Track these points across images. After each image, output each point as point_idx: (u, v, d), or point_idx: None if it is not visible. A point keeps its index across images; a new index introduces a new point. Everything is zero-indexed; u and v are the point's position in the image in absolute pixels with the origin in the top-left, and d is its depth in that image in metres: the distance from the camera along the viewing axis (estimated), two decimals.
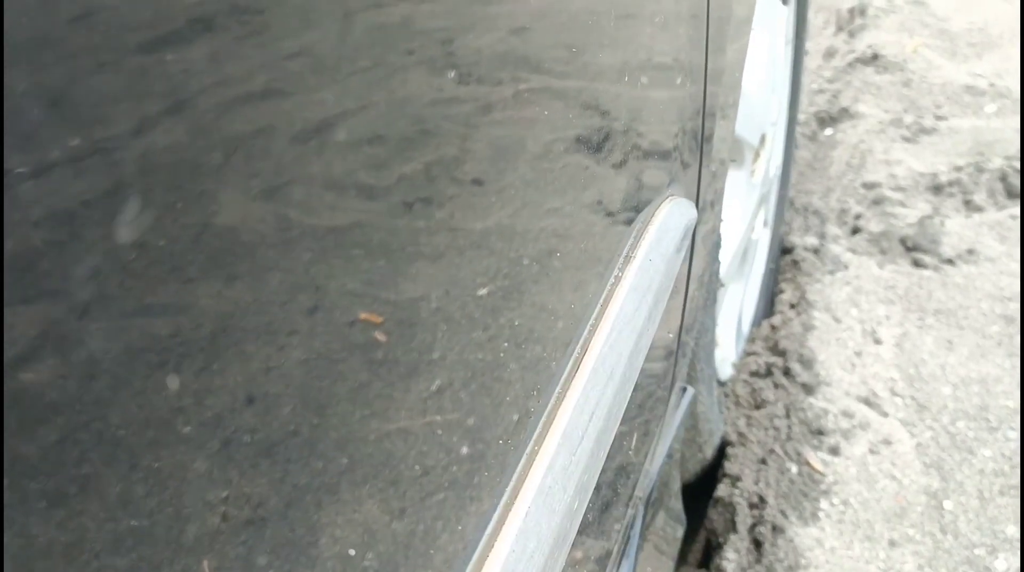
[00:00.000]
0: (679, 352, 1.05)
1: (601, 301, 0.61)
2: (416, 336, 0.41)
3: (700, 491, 1.59)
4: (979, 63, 3.10)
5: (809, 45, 3.11)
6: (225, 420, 0.31)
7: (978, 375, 1.76)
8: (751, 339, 1.91)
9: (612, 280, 0.63)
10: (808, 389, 1.74)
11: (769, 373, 1.79)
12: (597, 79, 0.58)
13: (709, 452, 1.55)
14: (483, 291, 0.47)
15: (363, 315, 0.38)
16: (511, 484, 0.49)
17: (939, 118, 2.78)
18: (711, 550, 1.56)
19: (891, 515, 1.50)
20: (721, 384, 1.74)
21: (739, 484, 1.56)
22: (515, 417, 0.51)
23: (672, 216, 0.75)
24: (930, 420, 1.68)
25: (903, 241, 2.17)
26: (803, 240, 2.19)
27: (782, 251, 2.19)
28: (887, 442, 1.63)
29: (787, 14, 1.89)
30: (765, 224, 2.05)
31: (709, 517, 1.57)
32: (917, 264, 2.10)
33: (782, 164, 2.08)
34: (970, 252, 2.10)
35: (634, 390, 0.66)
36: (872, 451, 1.61)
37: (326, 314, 0.35)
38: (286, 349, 0.33)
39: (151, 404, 0.28)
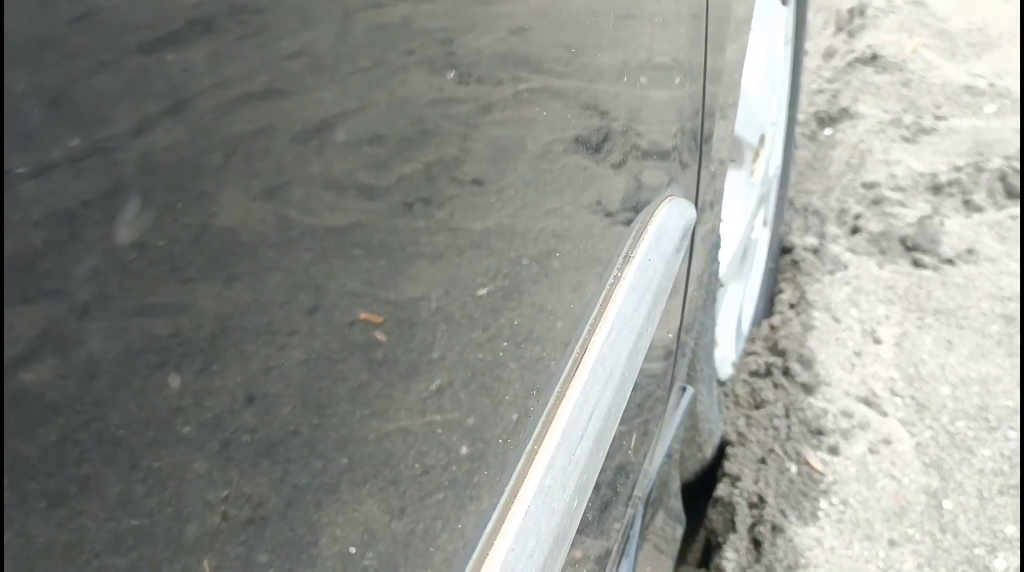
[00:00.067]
0: (678, 352, 1.05)
1: (600, 301, 0.61)
2: (416, 336, 0.41)
3: (700, 491, 1.59)
4: (978, 63, 3.10)
5: (809, 45, 3.11)
6: (225, 420, 0.31)
7: (978, 375, 1.76)
8: (751, 339, 1.91)
9: (611, 280, 0.63)
10: (808, 389, 1.74)
11: (769, 373, 1.79)
12: (596, 79, 0.58)
13: (709, 452, 1.55)
14: (483, 291, 0.47)
15: (363, 315, 0.38)
16: (511, 483, 0.49)
17: (938, 118, 2.78)
18: (711, 550, 1.56)
19: (891, 514, 1.50)
20: (721, 384, 1.74)
21: (739, 484, 1.56)
22: (515, 417, 0.51)
23: (671, 216, 0.75)
24: (930, 420, 1.68)
25: (903, 241, 2.18)
26: (803, 240, 2.20)
27: (782, 251, 2.19)
28: (887, 442, 1.63)
29: (786, 14, 1.89)
30: (764, 224, 2.05)
31: (708, 517, 1.57)
32: (917, 264, 2.10)
33: (781, 164, 2.08)
34: (970, 252, 2.10)
35: (633, 390, 0.66)
36: (872, 451, 1.61)
37: (326, 314, 0.35)
38: (286, 349, 0.33)
39: (151, 404, 0.28)
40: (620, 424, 0.63)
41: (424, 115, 0.40)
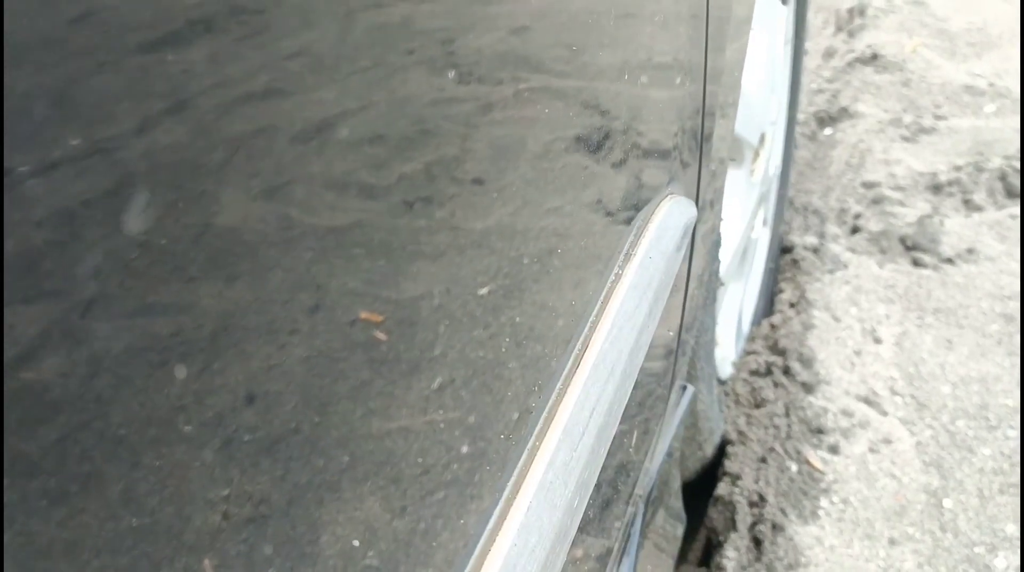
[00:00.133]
0: (679, 350, 1.05)
1: (602, 298, 0.61)
2: (417, 335, 0.41)
3: (700, 489, 1.59)
4: (978, 63, 3.10)
5: (808, 45, 3.11)
6: (226, 418, 0.31)
7: (978, 374, 1.76)
8: (751, 338, 1.91)
9: (612, 277, 0.64)
10: (808, 388, 1.74)
11: (769, 372, 1.79)
12: (597, 78, 0.58)
13: (709, 450, 1.55)
14: (484, 290, 0.47)
15: (364, 314, 0.38)
16: (512, 479, 0.49)
17: (938, 118, 2.78)
18: (711, 548, 1.56)
19: (891, 513, 1.50)
20: (721, 383, 1.74)
21: (739, 482, 1.56)
22: (516, 414, 0.51)
23: (672, 214, 0.75)
24: (930, 419, 1.68)
25: (903, 240, 2.18)
26: (803, 239, 2.20)
27: (782, 250, 2.19)
28: (887, 441, 1.63)
29: (786, 14, 1.89)
30: (765, 223, 2.05)
31: (709, 515, 1.57)
32: (917, 263, 2.10)
33: (781, 163, 2.08)
34: (970, 251, 2.10)
35: (634, 388, 0.66)
36: (872, 449, 1.61)
37: (327, 313, 0.35)
38: (287, 348, 0.34)
39: (152, 402, 0.28)
40: (621, 422, 0.63)
41: (425, 115, 0.40)
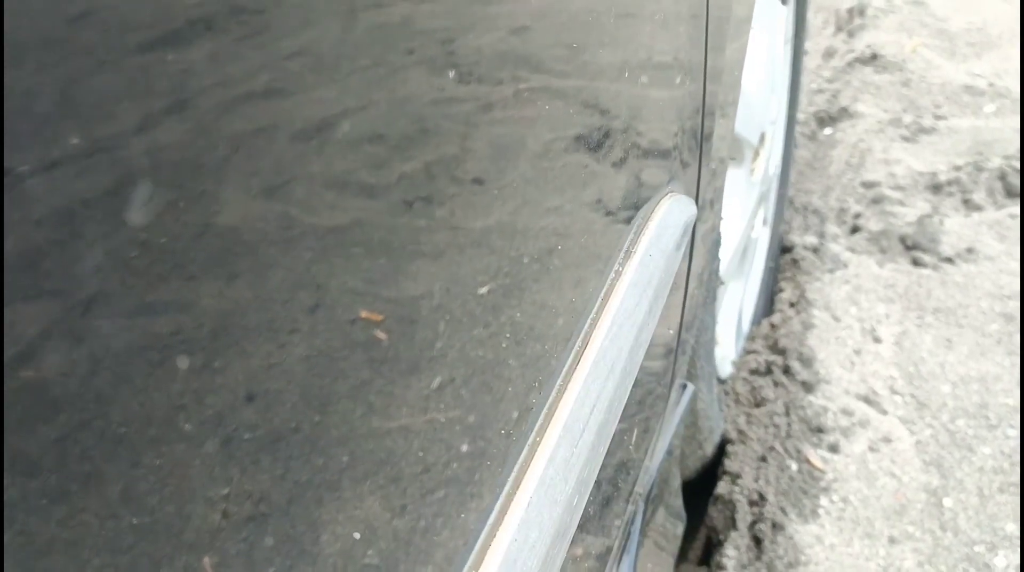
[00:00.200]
0: (679, 349, 1.05)
1: (602, 296, 0.61)
2: (417, 334, 0.41)
3: (700, 488, 1.59)
4: (978, 63, 3.10)
5: (808, 45, 3.11)
6: (226, 417, 0.31)
7: (977, 373, 1.76)
8: (751, 337, 1.91)
9: (613, 275, 0.64)
10: (808, 387, 1.74)
11: (769, 371, 1.79)
12: (597, 78, 0.58)
13: (709, 449, 1.55)
14: (484, 289, 0.47)
15: (364, 313, 0.38)
16: (513, 475, 0.49)
17: (938, 118, 2.78)
18: (711, 547, 1.56)
19: (891, 512, 1.50)
20: (721, 382, 1.74)
21: (739, 481, 1.56)
22: (517, 411, 0.51)
23: (672, 212, 0.75)
24: (930, 418, 1.68)
25: (902, 240, 2.18)
26: (803, 239, 2.20)
27: (782, 250, 2.19)
28: (887, 440, 1.63)
29: (786, 14, 1.89)
30: (765, 222, 2.05)
31: (709, 514, 1.58)
32: (916, 263, 2.10)
33: (781, 163, 2.08)
34: (969, 251, 2.10)
35: (634, 387, 0.66)
36: (872, 449, 1.61)
37: (327, 312, 0.35)
38: (287, 347, 0.34)
39: (152, 401, 0.28)
40: (621, 420, 0.63)
41: (425, 114, 0.40)
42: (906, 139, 2.68)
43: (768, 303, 2.05)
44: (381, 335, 0.39)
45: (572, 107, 0.55)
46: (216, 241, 0.30)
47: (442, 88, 0.41)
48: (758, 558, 1.45)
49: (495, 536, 0.46)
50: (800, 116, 2.72)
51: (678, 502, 1.31)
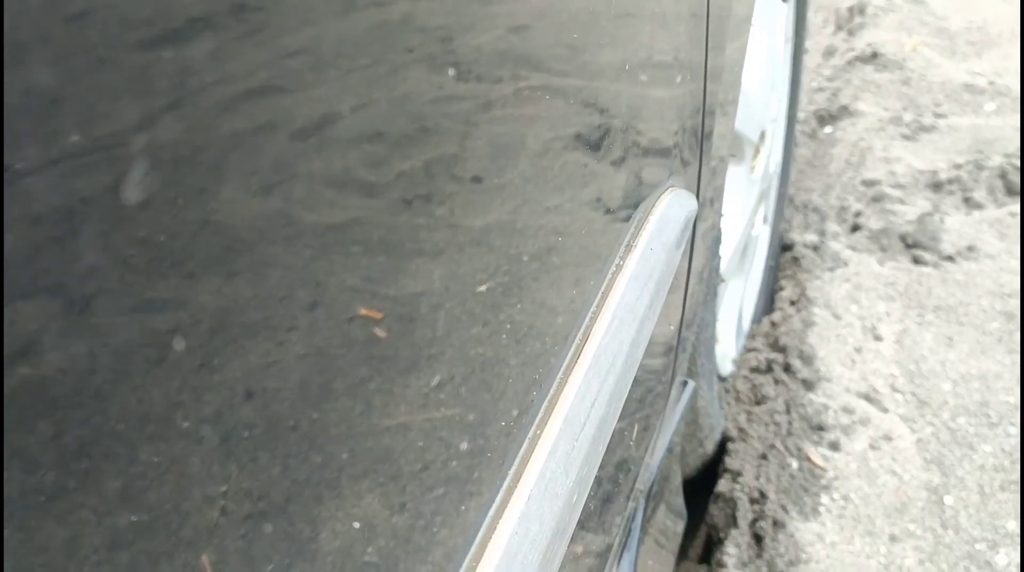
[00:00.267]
0: (679, 347, 1.05)
1: (603, 289, 0.62)
2: (416, 332, 0.41)
3: (701, 486, 1.59)
4: (978, 61, 3.09)
5: (809, 43, 3.11)
6: (225, 415, 0.31)
7: (978, 371, 1.76)
8: (751, 335, 1.91)
9: (614, 269, 0.64)
10: (808, 385, 1.74)
11: (769, 369, 1.79)
12: (597, 77, 0.58)
13: (710, 447, 1.55)
14: (483, 287, 0.47)
15: (363, 311, 0.38)
16: (513, 469, 0.50)
17: (938, 116, 2.78)
18: (712, 545, 1.56)
19: (892, 510, 1.50)
20: (721, 380, 1.74)
21: (740, 479, 1.56)
22: (518, 404, 0.51)
23: (673, 207, 0.75)
24: (930, 416, 1.68)
25: (903, 238, 2.18)
26: (803, 237, 2.20)
27: (782, 248, 2.19)
28: (887, 438, 1.63)
29: (786, 12, 1.89)
30: (765, 221, 2.05)
31: (710, 512, 1.58)
32: (917, 261, 2.10)
33: (782, 161, 2.08)
34: (970, 249, 2.10)
35: (635, 384, 0.66)
36: (873, 447, 1.61)
37: (326, 310, 0.36)
38: (286, 344, 0.34)
39: (151, 398, 0.28)
40: (622, 417, 0.63)
41: (424, 112, 0.40)
42: (906, 137, 2.68)
43: (768, 301, 2.05)
44: (380, 333, 0.39)
45: (572, 106, 0.55)
46: (215, 238, 0.30)
47: (441, 86, 0.41)
48: (759, 556, 1.45)
49: (495, 529, 0.47)
50: (800, 114, 2.72)
51: (679, 500, 1.31)
